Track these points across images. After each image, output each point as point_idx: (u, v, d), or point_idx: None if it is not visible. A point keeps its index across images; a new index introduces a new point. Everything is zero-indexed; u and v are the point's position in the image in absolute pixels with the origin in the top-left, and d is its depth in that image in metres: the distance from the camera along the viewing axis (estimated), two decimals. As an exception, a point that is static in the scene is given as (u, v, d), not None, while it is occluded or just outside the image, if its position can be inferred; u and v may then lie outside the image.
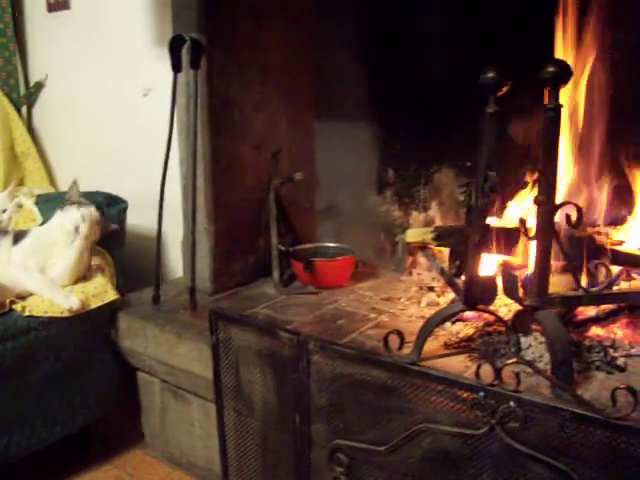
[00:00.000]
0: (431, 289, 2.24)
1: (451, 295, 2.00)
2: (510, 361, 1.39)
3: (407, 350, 1.61)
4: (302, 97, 2.56)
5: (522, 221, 1.66)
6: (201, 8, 2.18)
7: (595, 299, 1.72)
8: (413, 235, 2.14)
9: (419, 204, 2.45)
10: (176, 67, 2.21)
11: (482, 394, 1.36)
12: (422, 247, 2.12)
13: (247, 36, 2.32)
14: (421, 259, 2.38)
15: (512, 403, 1.33)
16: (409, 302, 2.18)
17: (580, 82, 1.96)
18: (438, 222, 2.40)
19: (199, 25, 2.19)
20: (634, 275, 1.95)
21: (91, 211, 2.22)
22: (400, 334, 1.49)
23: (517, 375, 1.34)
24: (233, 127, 2.33)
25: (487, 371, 1.37)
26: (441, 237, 2.05)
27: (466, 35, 2.18)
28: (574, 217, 1.57)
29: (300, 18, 2.50)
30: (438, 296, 2.17)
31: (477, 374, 1.38)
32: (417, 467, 1.52)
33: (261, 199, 2.41)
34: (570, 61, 1.91)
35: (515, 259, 1.99)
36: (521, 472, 1.37)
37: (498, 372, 1.35)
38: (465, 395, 1.40)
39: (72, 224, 2.19)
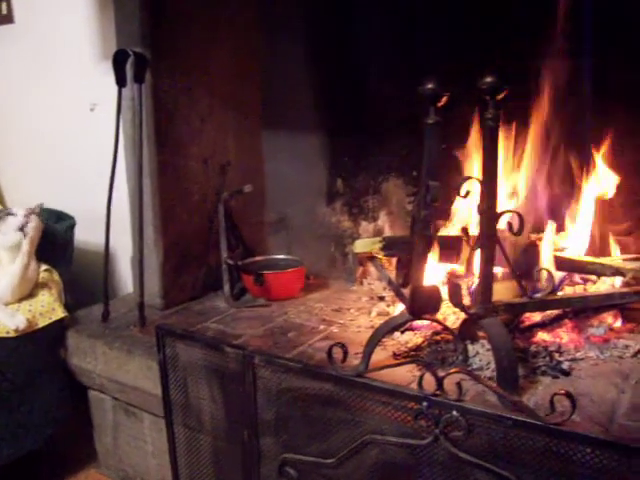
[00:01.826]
0: (381, 299, 2.25)
1: (401, 305, 2.01)
2: (451, 370, 1.40)
3: (356, 361, 1.61)
4: (250, 109, 2.56)
5: (465, 230, 1.67)
6: (144, 22, 2.17)
7: (539, 305, 1.74)
8: (362, 245, 2.14)
9: (368, 214, 2.46)
10: (120, 82, 2.19)
11: (425, 404, 1.37)
12: (371, 257, 2.12)
13: (193, 49, 2.31)
14: (372, 269, 2.39)
15: (455, 412, 1.33)
16: (359, 312, 2.18)
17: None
18: (387, 232, 2.41)
19: (143, 39, 2.17)
20: (577, 280, 1.99)
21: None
22: (344, 347, 1.49)
23: (459, 384, 1.35)
24: (180, 141, 2.31)
25: (430, 381, 1.38)
26: (389, 247, 2.06)
27: (412, 48, 2.20)
28: (516, 225, 1.58)
29: (247, 30, 2.49)
30: (388, 306, 2.18)
31: (420, 384, 1.38)
32: (365, 479, 1.52)
33: (210, 213, 2.40)
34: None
35: (461, 267, 2.01)
36: (467, 480, 1.38)
37: (440, 382, 1.36)
38: (409, 405, 1.41)
39: (16, 226, 2.18)
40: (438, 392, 1.36)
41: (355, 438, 1.50)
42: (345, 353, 1.50)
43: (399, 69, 2.23)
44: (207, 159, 2.41)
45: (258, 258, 2.47)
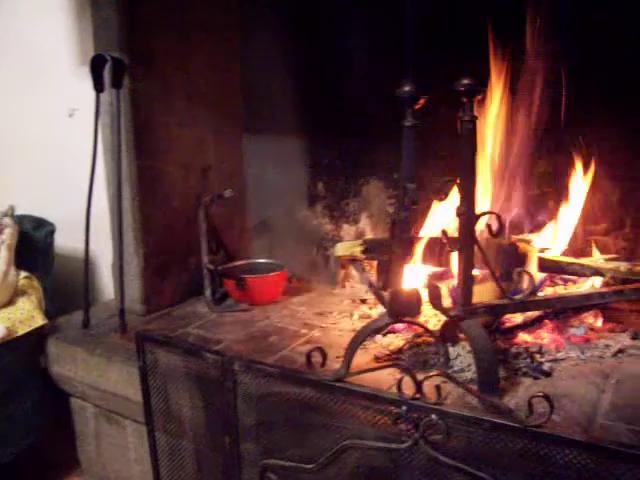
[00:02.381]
0: (364, 301, 2.24)
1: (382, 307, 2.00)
2: (430, 374, 1.39)
3: (337, 365, 1.61)
4: (230, 113, 2.55)
5: (444, 232, 1.66)
6: (122, 26, 2.16)
7: (519, 307, 1.73)
8: (343, 249, 2.13)
9: (350, 217, 2.46)
10: (98, 87, 2.18)
11: (404, 408, 1.36)
12: (352, 260, 2.11)
13: (171, 53, 2.30)
14: (354, 272, 2.38)
15: (434, 416, 1.33)
16: (341, 316, 2.17)
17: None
18: (369, 234, 2.41)
19: (120, 44, 2.16)
20: (558, 281, 1.99)
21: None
22: (322, 351, 1.49)
23: (438, 387, 1.34)
24: (159, 146, 2.30)
25: (410, 384, 1.38)
26: (370, 250, 2.05)
27: (389, 51, 2.20)
28: (495, 226, 1.58)
29: (227, 35, 2.49)
30: (370, 308, 2.17)
31: (399, 388, 1.38)
32: (346, 483, 1.51)
33: (191, 217, 2.38)
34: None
35: (443, 269, 2.01)
36: (447, 484, 1.38)
37: (419, 385, 1.35)
38: (389, 409, 1.40)
39: None
40: (417, 396, 1.36)
41: (336, 443, 1.49)
42: (324, 357, 1.49)
43: (379, 72, 2.22)
44: (187, 164, 2.40)
45: (239, 262, 2.46)
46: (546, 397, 1.26)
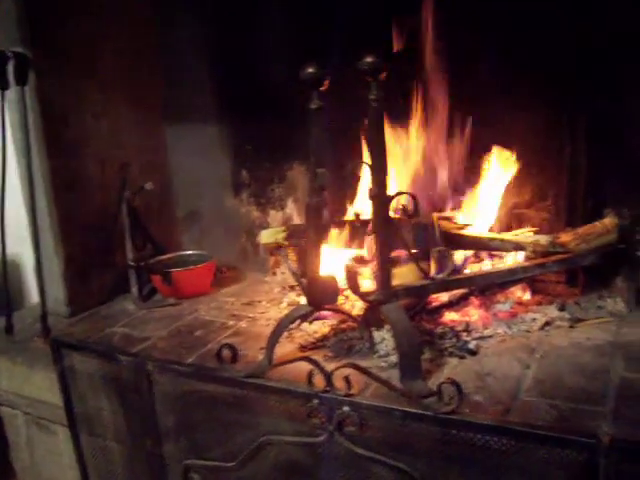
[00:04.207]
0: (293, 288, 2.20)
1: (305, 295, 1.96)
2: (338, 365, 1.36)
3: (261, 356, 1.57)
4: (150, 103, 2.47)
5: (357, 215, 1.63)
6: (23, 19, 2.07)
7: (440, 286, 1.70)
8: (267, 236, 2.09)
9: (276, 203, 2.41)
10: (2, 84, 2.09)
11: (316, 401, 1.33)
12: (277, 247, 2.07)
13: (81, 43, 2.21)
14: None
15: (346, 408, 1.30)
16: (270, 304, 2.12)
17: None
18: (296, 219, 2.37)
19: (23, 37, 2.07)
20: (483, 257, 1.96)
21: None
22: (232, 348, 1.44)
23: (347, 379, 1.31)
24: (74, 141, 2.22)
25: (321, 377, 1.35)
26: (293, 236, 2.01)
27: (305, 37, 2.15)
28: (410, 206, 1.54)
29: (142, 25, 2.41)
30: (299, 295, 2.13)
31: (310, 381, 1.34)
32: (268, 479, 1.48)
33: (114, 213, 2.31)
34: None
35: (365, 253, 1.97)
36: (367, 475, 1.35)
37: (329, 377, 1.32)
38: (303, 403, 1.37)
39: None
40: (327, 388, 1.32)
41: (254, 439, 1.46)
42: (234, 354, 1.45)
43: (298, 58, 2.17)
44: (105, 157, 2.32)
45: (166, 256, 2.39)
46: (454, 383, 1.23)
